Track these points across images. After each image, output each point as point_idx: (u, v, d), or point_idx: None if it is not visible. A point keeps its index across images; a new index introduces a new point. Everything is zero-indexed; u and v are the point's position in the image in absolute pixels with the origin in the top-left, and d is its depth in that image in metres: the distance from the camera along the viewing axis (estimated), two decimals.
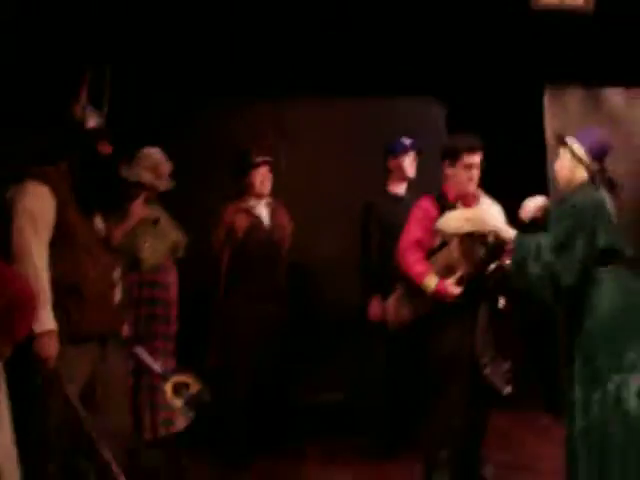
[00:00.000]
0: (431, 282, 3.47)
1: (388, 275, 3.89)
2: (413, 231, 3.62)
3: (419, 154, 4.34)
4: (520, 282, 3.06)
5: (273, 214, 4.37)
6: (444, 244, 3.50)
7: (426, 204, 3.65)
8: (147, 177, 3.83)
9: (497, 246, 3.36)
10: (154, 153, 3.91)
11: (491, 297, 3.58)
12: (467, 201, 3.63)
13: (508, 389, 3.57)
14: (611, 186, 3.07)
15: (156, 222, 3.86)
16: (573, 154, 3.08)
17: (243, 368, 4.12)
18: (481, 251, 3.40)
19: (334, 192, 4.87)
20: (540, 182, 5.12)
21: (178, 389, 3.33)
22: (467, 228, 3.41)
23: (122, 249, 3.36)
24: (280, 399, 4.34)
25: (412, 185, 4.33)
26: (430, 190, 3.72)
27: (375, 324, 4.12)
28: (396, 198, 4.31)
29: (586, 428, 2.86)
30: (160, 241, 3.89)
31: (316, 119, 5.01)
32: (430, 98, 5.04)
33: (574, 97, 5.41)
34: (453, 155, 3.60)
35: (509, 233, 3.22)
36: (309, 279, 4.78)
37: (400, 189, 4.35)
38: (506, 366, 3.59)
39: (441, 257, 3.50)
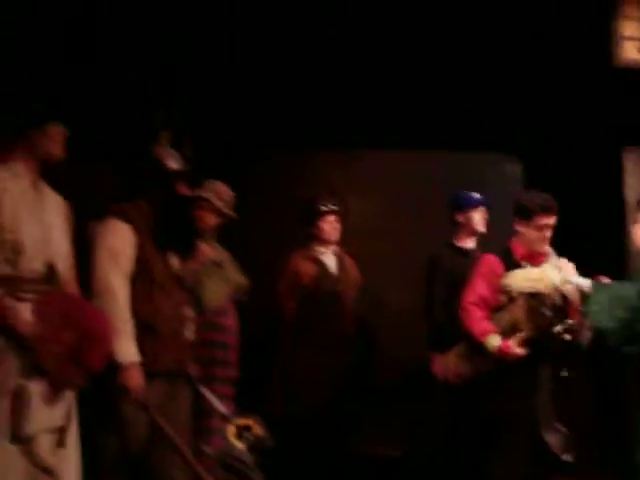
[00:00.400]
0: (494, 341, 3.42)
1: (452, 330, 3.82)
2: (478, 287, 3.57)
3: (488, 209, 4.29)
4: (601, 324, 3.00)
5: (340, 263, 4.36)
6: (509, 302, 3.45)
7: (492, 260, 3.61)
8: (209, 195, 3.90)
9: (563, 307, 3.33)
10: (217, 182, 4.00)
11: (556, 360, 3.50)
12: (535, 260, 3.57)
13: (568, 457, 3.47)
14: None
15: (220, 264, 3.90)
16: None
17: (308, 418, 4.08)
18: (547, 312, 3.34)
19: (405, 244, 4.83)
20: (617, 245, 5.00)
21: (241, 432, 3.32)
22: (534, 288, 3.38)
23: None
24: (342, 449, 4.26)
25: (482, 240, 4.28)
26: (500, 246, 3.68)
27: (438, 379, 4.04)
28: (463, 251, 4.25)
29: None
30: (223, 283, 3.91)
31: (389, 171, 5.02)
32: (506, 155, 4.99)
33: None
34: (526, 214, 3.56)
35: (585, 283, 3.19)
36: (376, 331, 4.71)
37: (469, 243, 4.29)
38: (566, 432, 3.50)
39: (506, 316, 3.46)
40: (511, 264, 3.54)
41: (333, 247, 4.36)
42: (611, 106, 4.92)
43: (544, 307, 3.35)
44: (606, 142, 4.99)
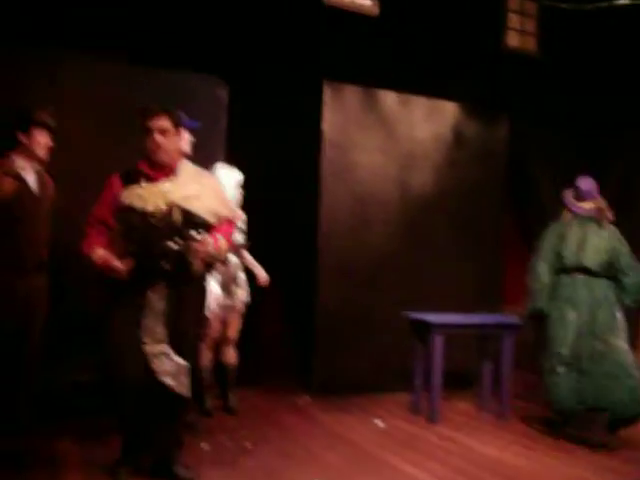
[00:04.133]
0: (95, 255, 3.46)
1: None
2: (96, 206, 3.64)
3: (193, 131, 4.25)
4: None
5: (40, 181, 4.13)
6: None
7: (113, 178, 3.63)
8: None
9: (177, 227, 3.39)
10: None
11: (169, 278, 3.48)
12: (161, 174, 3.57)
13: (182, 391, 3.48)
14: None
15: None
16: None
17: None
18: (151, 230, 3.38)
19: (109, 162, 4.63)
20: (311, 167, 5.33)
21: None
22: (140, 206, 3.43)
23: None
24: None
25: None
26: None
27: None
28: None
29: None
30: None
31: (96, 85, 4.74)
32: (214, 77, 5.00)
33: (352, 94, 5.67)
34: None
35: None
36: (71, 252, 4.52)
37: None
38: (181, 364, 3.48)
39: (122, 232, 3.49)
40: (132, 180, 3.56)
41: (35, 164, 4.11)
42: (314, 40, 5.19)
43: (148, 225, 3.38)
44: (308, 74, 5.25)
